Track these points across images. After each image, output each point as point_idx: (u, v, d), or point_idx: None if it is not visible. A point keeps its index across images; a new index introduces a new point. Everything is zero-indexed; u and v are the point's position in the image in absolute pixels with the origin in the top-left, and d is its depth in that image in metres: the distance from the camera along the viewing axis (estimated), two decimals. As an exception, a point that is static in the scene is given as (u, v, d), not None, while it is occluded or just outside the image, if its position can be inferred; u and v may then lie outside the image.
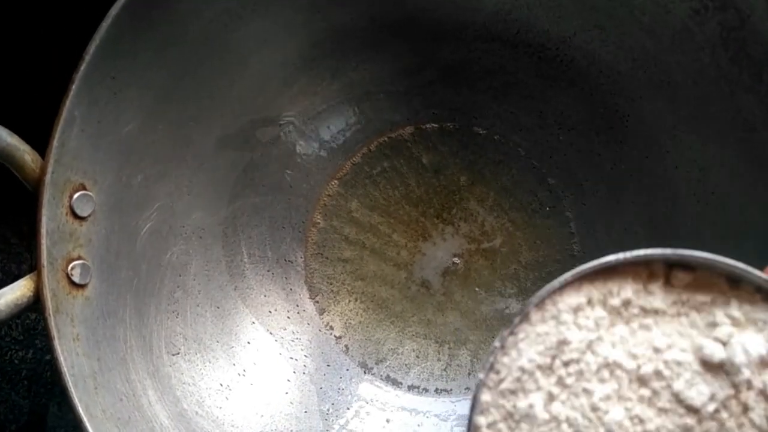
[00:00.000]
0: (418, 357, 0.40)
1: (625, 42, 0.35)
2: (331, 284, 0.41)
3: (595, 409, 0.18)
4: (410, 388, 0.39)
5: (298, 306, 0.41)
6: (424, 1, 0.38)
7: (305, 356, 0.39)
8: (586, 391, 0.18)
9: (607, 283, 0.19)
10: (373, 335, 0.41)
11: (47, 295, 0.29)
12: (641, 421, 0.18)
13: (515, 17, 0.37)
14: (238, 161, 0.39)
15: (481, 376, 0.19)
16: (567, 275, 0.19)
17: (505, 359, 0.19)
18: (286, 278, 0.41)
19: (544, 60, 0.38)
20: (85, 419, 0.28)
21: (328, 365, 0.39)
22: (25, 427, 0.52)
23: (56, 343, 0.29)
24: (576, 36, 0.37)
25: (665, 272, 0.20)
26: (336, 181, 0.42)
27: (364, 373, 0.40)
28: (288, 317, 0.40)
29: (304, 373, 0.39)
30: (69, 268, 0.31)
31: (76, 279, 0.31)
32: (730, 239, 0.33)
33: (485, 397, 0.19)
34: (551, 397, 0.19)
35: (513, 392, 0.19)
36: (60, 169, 0.30)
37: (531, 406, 0.19)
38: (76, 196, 0.31)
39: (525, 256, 0.40)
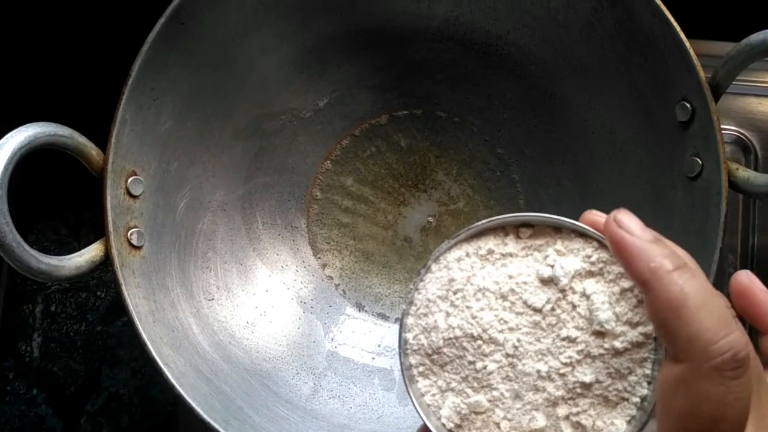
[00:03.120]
0: (400, 297, 0.48)
1: (547, 36, 0.42)
2: (329, 244, 0.48)
3: (474, 317, 0.26)
4: (396, 320, 0.47)
5: (304, 262, 0.48)
6: (390, 12, 0.44)
7: (311, 299, 0.47)
8: (468, 307, 0.26)
9: (477, 241, 0.27)
10: (364, 282, 0.48)
11: (114, 253, 0.36)
12: (505, 321, 0.26)
13: (462, 21, 0.44)
14: (249, 149, 0.46)
15: (404, 307, 0.27)
16: (449, 241, 0.27)
17: (419, 295, 0.27)
18: (293, 240, 0.48)
19: (487, 54, 0.45)
20: (148, 343, 0.35)
21: (330, 306, 0.47)
22: (83, 388, 0.57)
23: (123, 288, 0.35)
24: (510, 34, 0.43)
25: (515, 230, 0.27)
26: (329, 162, 0.48)
27: (359, 311, 0.47)
28: (296, 271, 0.48)
29: (311, 312, 0.46)
30: (128, 234, 0.37)
31: (134, 242, 0.37)
32: (630, 181, 0.41)
33: (409, 320, 0.27)
34: (447, 314, 0.26)
35: (425, 314, 0.27)
36: (117, 160, 0.36)
37: (435, 321, 0.26)
38: (130, 180, 0.37)
39: (482, 213, 0.47)
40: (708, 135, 0.35)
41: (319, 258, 0.48)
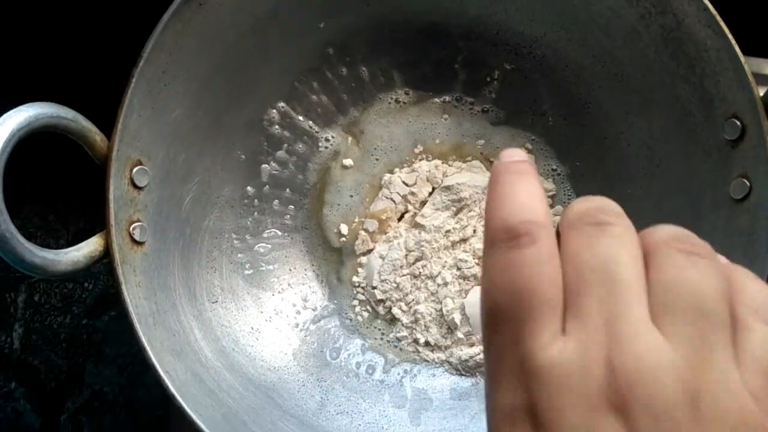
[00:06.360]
0: (414, 307, 0.46)
1: (586, 41, 0.40)
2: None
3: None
4: (409, 332, 0.45)
5: (313, 265, 0.46)
6: (418, 7, 0.42)
7: (321, 307, 0.45)
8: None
9: None
10: (378, 290, 0.46)
11: (115, 248, 0.33)
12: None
13: (495, 20, 0.42)
14: (261, 143, 0.44)
15: None
16: None
17: None
18: (302, 242, 0.45)
19: (520, 56, 0.43)
20: (147, 348, 0.33)
21: (340, 314, 0.45)
22: (65, 384, 0.56)
23: (123, 287, 0.33)
24: (546, 36, 0.42)
25: None
26: (348, 159, 0.46)
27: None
28: (305, 275, 0.45)
29: (320, 321, 0.44)
30: (131, 228, 0.35)
31: (136, 237, 0.35)
32: (666, 199, 0.39)
33: None
34: None
35: None
36: (123, 147, 0.34)
37: None
38: (135, 170, 0.35)
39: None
40: (759, 155, 0.34)
41: (330, 262, 0.46)
